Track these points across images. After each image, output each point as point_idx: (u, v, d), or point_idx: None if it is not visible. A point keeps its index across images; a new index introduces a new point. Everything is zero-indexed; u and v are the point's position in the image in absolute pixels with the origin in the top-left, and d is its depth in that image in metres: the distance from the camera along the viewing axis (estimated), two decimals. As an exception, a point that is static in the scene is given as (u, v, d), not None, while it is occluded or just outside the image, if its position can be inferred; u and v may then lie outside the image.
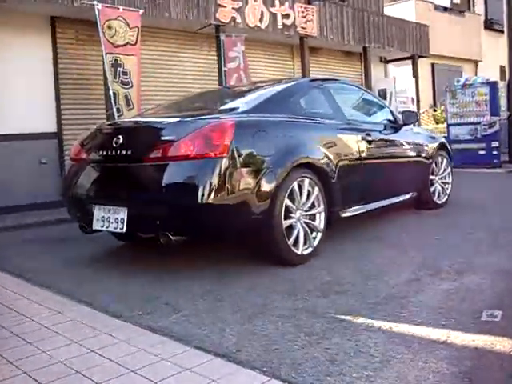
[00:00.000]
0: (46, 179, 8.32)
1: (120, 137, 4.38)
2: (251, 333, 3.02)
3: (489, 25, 22.18)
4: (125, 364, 2.65)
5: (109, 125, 4.91)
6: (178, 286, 4.02)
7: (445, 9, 19.81)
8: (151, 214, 4.17)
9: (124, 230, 4.24)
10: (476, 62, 21.17)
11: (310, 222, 4.60)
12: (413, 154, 6.45)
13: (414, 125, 6.92)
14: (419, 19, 16.45)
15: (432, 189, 6.85)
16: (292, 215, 4.42)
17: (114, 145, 4.37)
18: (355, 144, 5.30)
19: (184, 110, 5.33)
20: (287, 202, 4.34)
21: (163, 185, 4.06)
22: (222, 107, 5.19)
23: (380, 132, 5.93)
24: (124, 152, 4.30)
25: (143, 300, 3.71)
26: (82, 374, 2.55)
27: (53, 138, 8.69)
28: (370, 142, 5.52)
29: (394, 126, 6.28)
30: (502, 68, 20.81)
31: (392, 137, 6.11)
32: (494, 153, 12.66)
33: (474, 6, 21.54)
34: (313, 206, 4.63)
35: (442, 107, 16.20)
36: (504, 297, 3.45)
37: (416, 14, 17.69)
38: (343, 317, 3.20)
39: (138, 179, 4.34)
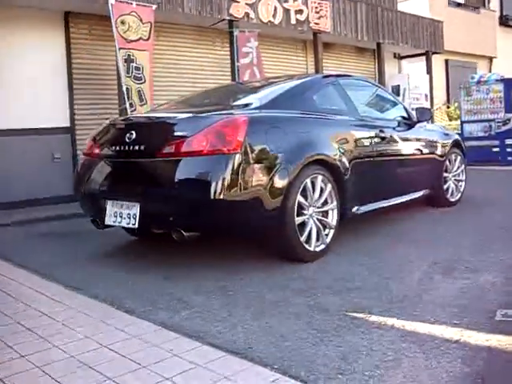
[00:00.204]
0: (58, 174, 8.36)
1: (133, 132, 4.38)
2: (263, 329, 3.02)
3: (504, 21, 21.99)
4: (137, 360, 2.65)
5: (122, 120, 4.91)
6: (191, 282, 4.02)
7: (459, 4, 19.66)
8: (164, 210, 4.18)
9: (136, 225, 4.24)
10: (491, 59, 21.00)
11: (323, 218, 4.58)
12: (426, 151, 6.41)
13: (428, 122, 6.86)
14: (433, 15, 16.33)
15: (445, 186, 6.81)
16: (305, 212, 4.41)
17: (127, 140, 4.37)
18: (368, 141, 5.28)
19: (197, 106, 5.32)
20: (300, 198, 4.32)
21: (176, 180, 4.06)
22: (235, 103, 5.18)
23: (394, 129, 5.89)
24: (137, 147, 4.30)
25: (156, 295, 3.71)
26: (94, 369, 2.56)
27: (66, 133, 8.73)
28: (383, 139, 5.49)
29: (408, 122, 6.25)
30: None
31: (406, 134, 6.07)
32: (508, 150, 12.57)
33: (489, 2, 21.36)
34: (325, 202, 4.61)
35: (456, 104, 16.11)
36: (518, 296, 3.43)
37: (430, 9, 17.56)
38: (355, 314, 3.19)
39: (151, 175, 4.34)
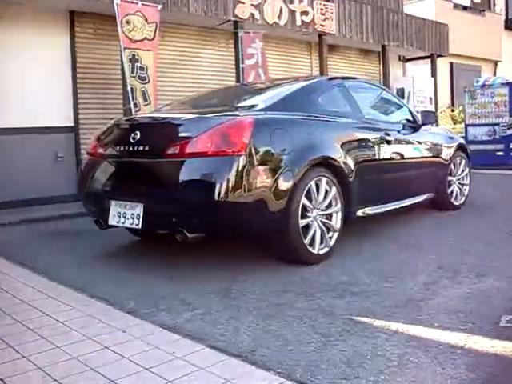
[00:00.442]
0: (62, 173, 8.35)
1: (137, 132, 4.36)
2: (266, 333, 3.00)
3: (509, 24, 21.94)
4: (139, 362, 2.63)
5: (126, 120, 4.90)
6: (194, 283, 4.00)
7: (464, 8, 19.62)
8: (167, 211, 4.16)
9: (140, 226, 4.23)
10: (495, 62, 20.95)
11: (327, 221, 4.56)
12: (431, 154, 6.39)
13: (432, 125, 6.83)
14: (439, 18, 16.30)
15: (450, 190, 6.78)
16: (309, 214, 4.39)
17: (132, 140, 4.35)
18: (373, 143, 5.26)
19: (201, 107, 5.31)
20: (304, 200, 4.30)
21: (180, 181, 4.04)
22: (240, 104, 5.16)
23: (398, 132, 5.87)
24: (141, 148, 4.28)
25: (158, 297, 3.69)
26: (96, 371, 2.54)
27: (69, 132, 8.72)
28: (388, 142, 5.47)
29: (413, 125, 6.23)
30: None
31: (410, 137, 6.05)
32: (513, 154, 12.54)
33: (494, 6, 21.31)
34: (330, 205, 4.59)
35: (460, 107, 16.08)
36: (523, 302, 3.41)
37: (435, 12, 17.52)
38: (359, 318, 3.17)
39: (155, 175, 4.32)
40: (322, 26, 11.45)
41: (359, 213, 5.03)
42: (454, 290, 3.64)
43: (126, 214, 4.32)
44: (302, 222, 4.30)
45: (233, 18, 9.92)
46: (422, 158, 6.19)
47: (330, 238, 4.59)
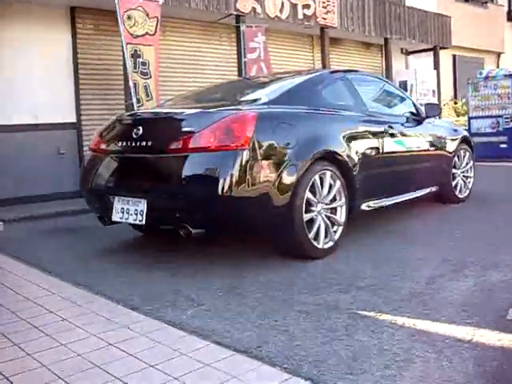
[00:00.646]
0: (64, 169, 8.33)
1: (140, 128, 4.35)
2: (272, 328, 2.98)
3: (512, 16, 21.86)
4: (144, 359, 2.62)
5: (129, 115, 4.88)
6: (198, 279, 3.99)
7: (466, 0, 19.53)
8: (171, 206, 4.15)
9: (143, 221, 4.22)
10: (498, 54, 20.87)
11: (331, 215, 4.54)
12: (435, 147, 6.35)
13: (436, 117, 6.80)
14: (441, 10, 16.21)
15: (454, 183, 6.75)
16: (313, 208, 4.36)
17: (134, 136, 4.34)
18: (377, 137, 5.23)
19: (204, 101, 5.28)
20: (308, 195, 4.28)
21: (183, 176, 4.02)
22: (243, 98, 5.13)
23: (402, 125, 5.83)
24: (144, 143, 4.27)
25: (162, 293, 3.68)
26: (101, 368, 2.53)
27: (72, 129, 8.71)
28: (392, 135, 5.44)
29: (417, 118, 6.19)
30: (525, 60, 20.52)
31: (414, 130, 6.01)
32: (516, 146, 12.50)
33: (496, -2, 21.24)
34: (334, 199, 4.57)
35: (463, 100, 16.02)
36: (530, 295, 3.38)
37: (438, 4, 17.41)
38: (365, 313, 3.15)
39: (158, 171, 4.30)
40: (324, 19, 11.40)
41: (364, 206, 5.01)
42: (460, 284, 3.62)
43: (130, 210, 4.30)
44: (307, 217, 4.28)
45: (234, 12, 9.88)
46: (425, 150, 6.15)
47: (335, 232, 4.57)
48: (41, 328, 3.07)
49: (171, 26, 9.89)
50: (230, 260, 4.48)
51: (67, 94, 8.66)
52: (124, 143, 4.47)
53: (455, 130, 6.98)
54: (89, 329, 3.05)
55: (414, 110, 6.26)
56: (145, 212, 4.20)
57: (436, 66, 14.94)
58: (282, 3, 10.56)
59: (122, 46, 8.02)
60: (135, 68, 8.14)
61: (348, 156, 4.70)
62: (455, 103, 17.64)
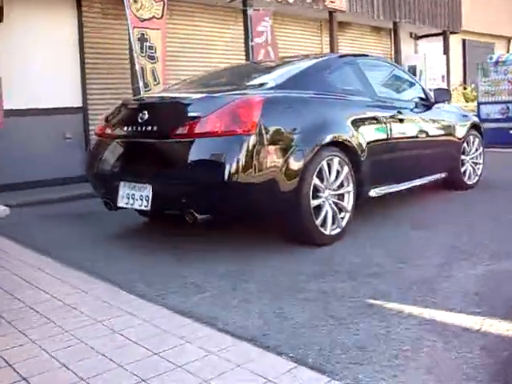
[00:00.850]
0: (70, 154, 8.29)
1: (145, 112, 4.30)
2: (277, 316, 2.95)
3: (523, 0, 21.56)
4: (148, 346, 2.59)
5: (134, 100, 4.84)
6: (204, 265, 3.95)
7: (477, -16, 19.28)
8: (176, 192, 4.11)
9: (149, 207, 4.19)
10: (509, 39, 20.64)
11: (339, 201, 4.49)
12: (444, 133, 6.28)
13: (446, 103, 6.71)
14: (451, -6, 16.02)
15: (463, 169, 6.68)
16: (320, 195, 4.32)
17: (140, 120, 4.29)
18: (386, 122, 5.16)
19: (210, 86, 5.22)
20: (316, 181, 4.23)
21: (189, 162, 3.98)
22: (250, 83, 5.07)
23: (411, 110, 5.77)
24: (149, 128, 4.23)
25: (168, 279, 3.65)
26: (105, 356, 2.50)
27: (78, 113, 8.66)
28: (400, 121, 5.37)
29: (426, 103, 6.11)
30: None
31: (423, 115, 5.94)
32: (526, 133, 12.36)
33: (507, -19, 20.95)
34: (341, 185, 4.52)
35: (473, 85, 15.87)
36: (540, 283, 3.34)
37: (448, -12, 17.23)
38: (372, 301, 3.11)
39: (164, 156, 4.26)
40: (332, 2, 11.27)
41: (371, 193, 4.95)
42: (469, 272, 3.57)
43: (135, 196, 4.27)
44: (314, 203, 4.23)
45: (242, -5, 9.79)
46: (434, 136, 6.07)
47: (342, 218, 4.52)
48: (44, 314, 3.06)
49: (178, 9, 9.80)
50: (236, 246, 4.45)
51: (73, 78, 8.61)
52: (129, 128, 4.43)
53: (465, 116, 6.90)
54: (93, 315, 3.03)
55: (423, 96, 6.18)
56: (150, 197, 4.16)
57: (445, 50, 14.80)
58: (290, -14, 10.43)
59: (129, 30, 7.96)
60: (142, 52, 8.08)
61: (356, 142, 4.64)
62: (464, 88, 17.47)
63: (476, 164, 6.96)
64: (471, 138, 6.81)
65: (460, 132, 6.52)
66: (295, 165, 4.08)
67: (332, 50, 11.58)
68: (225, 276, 3.69)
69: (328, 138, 4.34)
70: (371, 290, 3.31)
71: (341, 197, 4.52)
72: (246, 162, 3.85)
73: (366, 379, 2.22)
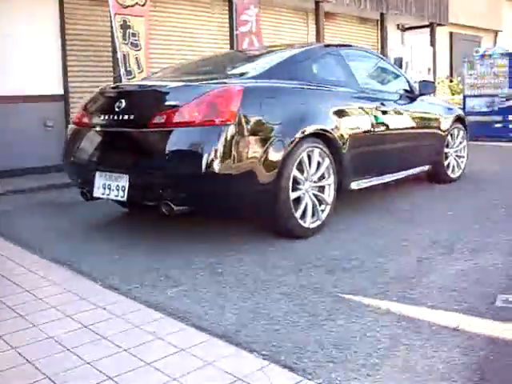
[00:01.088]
0: (51, 142, 8.14)
1: (122, 101, 4.20)
2: (252, 311, 2.88)
3: (511, -6, 21.56)
4: (118, 342, 2.52)
5: (111, 88, 4.72)
6: (181, 258, 3.87)
7: (465, -24, 19.23)
8: (153, 182, 4.01)
9: (125, 198, 4.09)
10: (496, 32, 20.62)
11: (319, 194, 4.42)
12: (428, 125, 6.23)
13: (431, 95, 6.65)
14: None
15: (446, 162, 6.63)
16: (300, 187, 4.24)
17: (116, 109, 4.19)
18: (369, 114, 5.09)
19: (192, 74, 5.13)
20: (295, 172, 4.16)
21: (166, 152, 3.88)
22: (231, 72, 4.97)
23: (395, 102, 5.70)
24: (126, 117, 4.13)
25: (143, 272, 3.57)
26: (72, 352, 2.43)
27: (59, 101, 8.49)
28: (384, 112, 5.30)
29: (410, 96, 6.05)
30: (523, 39, 20.32)
31: (407, 107, 5.87)
32: (511, 126, 12.34)
33: (495, -26, 20.91)
34: (322, 177, 4.44)
35: (459, 78, 15.85)
36: (520, 279, 3.28)
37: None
38: (350, 296, 3.05)
39: (140, 145, 4.15)
40: (319, -8, 11.17)
41: (353, 185, 4.89)
42: (449, 267, 3.52)
43: (111, 186, 4.17)
44: (293, 195, 4.16)
45: (227, -17, 9.66)
46: (418, 128, 6.01)
47: (322, 211, 4.45)
48: (14, 308, 2.98)
49: (163, -4, 9.65)
50: (215, 238, 4.37)
51: (55, 65, 8.43)
52: (106, 117, 4.32)
53: (449, 109, 6.84)
54: (64, 309, 2.96)
55: (407, 87, 6.12)
56: (126, 188, 4.07)
57: (432, 43, 14.75)
58: (276, -25, 10.32)
59: (110, 17, 7.81)
60: (125, 39, 7.93)
61: (337, 133, 4.56)
62: (451, 81, 17.45)
63: (460, 157, 6.92)
64: (455, 130, 6.76)
65: (444, 125, 6.47)
66: (274, 156, 4.00)
67: (318, 41, 11.48)
68: (201, 269, 3.61)
69: (308, 129, 4.26)
70: (349, 285, 3.25)
71: (321, 189, 4.45)
72: (223, 152, 3.77)
73: (339, 378, 2.16)
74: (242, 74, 4.57)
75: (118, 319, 2.80)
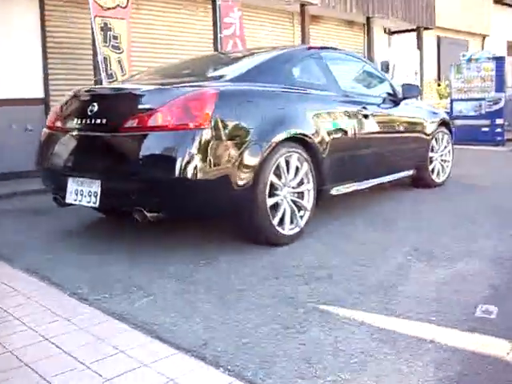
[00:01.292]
0: (32, 147, 7.97)
1: (95, 104, 4.08)
2: (222, 322, 2.76)
3: (498, -2, 21.56)
4: (78, 356, 2.40)
5: (85, 91, 4.60)
6: (154, 266, 3.74)
7: (453, -20, 19.21)
8: (125, 188, 3.89)
9: (97, 204, 3.97)
10: (483, 37, 20.62)
11: (298, 200, 4.30)
12: (412, 129, 6.14)
13: (416, 99, 6.57)
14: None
15: (431, 167, 6.55)
16: (278, 192, 4.13)
17: (89, 113, 4.07)
18: (350, 118, 4.99)
19: (170, 77, 5.00)
20: (273, 178, 4.04)
21: (138, 157, 3.76)
22: (210, 74, 4.87)
23: (378, 105, 5.60)
24: (98, 121, 4.01)
25: (114, 281, 3.44)
26: (30, 367, 2.31)
27: (39, 105, 8.36)
28: (366, 116, 5.20)
29: (394, 99, 5.94)
30: (510, 43, 20.32)
31: (390, 111, 5.78)
32: (498, 130, 12.30)
33: (483, -22, 20.92)
34: (301, 183, 4.33)
35: (446, 82, 15.81)
36: (501, 289, 3.18)
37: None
38: (324, 307, 2.94)
39: (113, 150, 4.03)
40: (304, -5, 11.09)
41: (333, 191, 4.78)
42: (429, 275, 3.42)
43: (83, 192, 4.05)
44: (271, 201, 4.05)
45: (211, -14, 9.55)
46: (401, 132, 5.92)
47: (301, 217, 4.34)
48: (-28, 320, 2.84)
49: (146, -1, 9.54)
50: (188, 246, 4.23)
51: (35, 68, 8.30)
52: (79, 121, 4.20)
53: (434, 113, 6.76)
54: (27, 320, 2.83)
55: (391, 91, 6.02)
56: (99, 194, 3.94)
57: (419, 46, 14.70)
58: (261, -23, 10.23)
59: (91, 19, 7.68)
60: (105, 42, 7.81)
61: (317, 137, 4.46)
62: (438, 85, 17.42)
63: (445, 161, 6.84)
64: (440, 134, 6.68)
65: (428, 129, 6.39)
66: (251, 161, 3.88)
67: (304, 44, 11.39)
68: (173, 277, 3.49)
69: (286, 134, 4.15)
70: (325, 294, 3.14)
71: (300, 195, 4.33)
72: (198, 157, 3.65)
73: (306, 396, 2.05)
74: (220, 77, 4.47)
75: (81, 332, 2.68)
